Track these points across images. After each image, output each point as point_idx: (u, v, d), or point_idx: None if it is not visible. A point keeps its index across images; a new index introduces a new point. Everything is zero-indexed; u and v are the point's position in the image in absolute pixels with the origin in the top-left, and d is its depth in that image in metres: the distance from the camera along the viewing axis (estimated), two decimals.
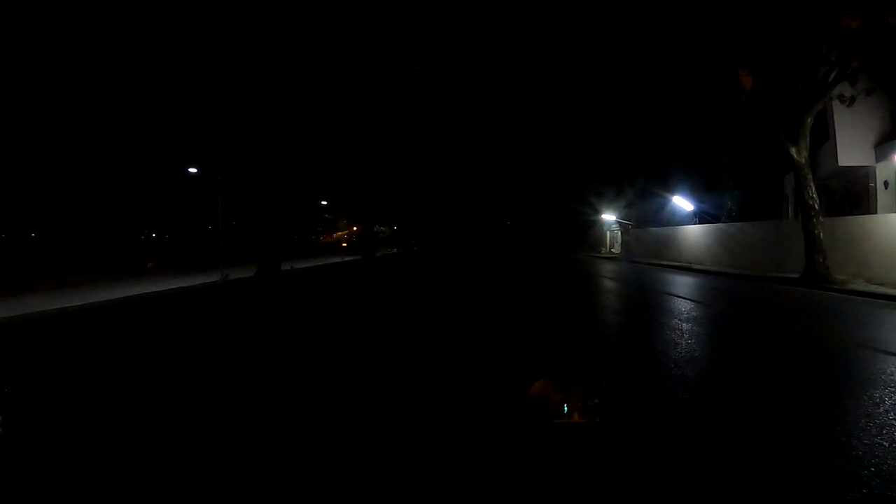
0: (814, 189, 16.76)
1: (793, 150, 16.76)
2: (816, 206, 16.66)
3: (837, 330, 9.84)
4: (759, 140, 24.86)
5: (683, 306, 13.08)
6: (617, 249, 45.78)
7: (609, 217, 44.82)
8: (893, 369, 6.48)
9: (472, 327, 10.66)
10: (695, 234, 29.13)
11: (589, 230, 53.50)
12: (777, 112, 17.46)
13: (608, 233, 49.13)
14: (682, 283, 18.87)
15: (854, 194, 21.69)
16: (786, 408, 5.31)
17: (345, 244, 56.90)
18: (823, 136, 20.67)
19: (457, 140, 65.76)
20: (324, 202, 55.44)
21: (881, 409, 5.01)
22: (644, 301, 14.88)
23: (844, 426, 4.64)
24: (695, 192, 31.29)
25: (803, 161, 16.79)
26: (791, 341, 8.89)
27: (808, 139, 16.94)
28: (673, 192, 32.03)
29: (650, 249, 35.03)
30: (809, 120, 16.75)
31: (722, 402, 5.55)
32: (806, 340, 8.96)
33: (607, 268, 29.74)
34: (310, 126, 28.47)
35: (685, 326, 10.00)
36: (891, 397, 5.38)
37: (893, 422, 4.68)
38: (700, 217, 30.93)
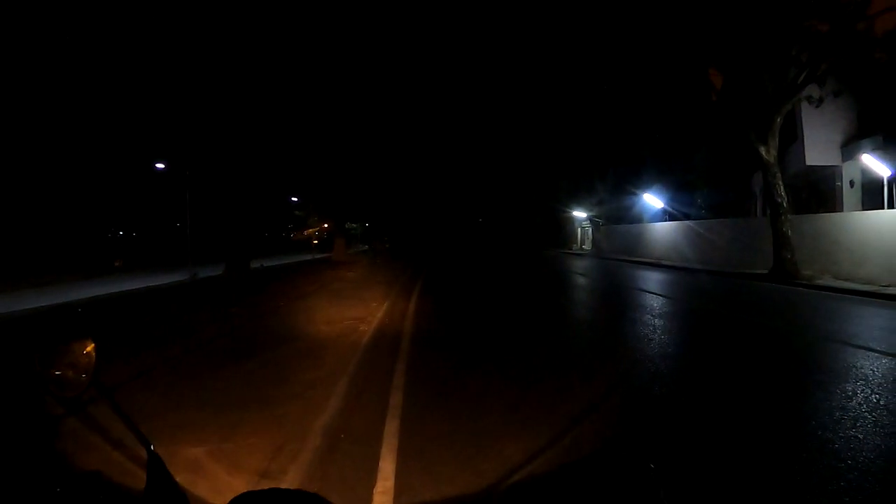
0: (782, 187, 17.05)
1: (762, 150, 17.04)
2: (785, 204, 16.97)
3: (806, 324, 10.06)
4: (728, 139, 25.25)
5: (654, 302, 13.20)
6: (588, 246, 46.14)
7: (580, 214, 45.10)
8: (863, 362, 6.61)
9: (436, 327, 10.54)
10: (664, 231, 29.46)
11: (560, 227, 53.74)
12: (747, 112, 17.71)
13: (579, 229, 49.47)
14: (652, 279, 19.08)
15: (820, 193, 22.15)
16: (760, 402, 5.37)
17: (316, 241, 56.10)
18: (791, 136, 21.06)
19: (429, 137, 65.61)
20: (294, 198, 54.84)
21: (854, 402, 5.10)
22: (615, 297, 15.02)
23: (819, 420, 4.69)
24: (666, 191, 31.63)
25: (773, 160, 17.08)
26: (761, 335, 9.04)
27: (777, 139, 17.23)
28: (644, 190, 32.36)
29: (620, 246, 35.40)
30: (779, 120, 17.04)
31: (697, 397, 5.59)
32: (776, 334, 9.15)
33: (578, 264, 29.93)
34: (280, 121, 28.10)
35: (657, 322, 10.08)
36: (862, 390, 5.49)
37: (867, 414, 4.76)
38: (669, 215, 31.29)
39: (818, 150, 20.58)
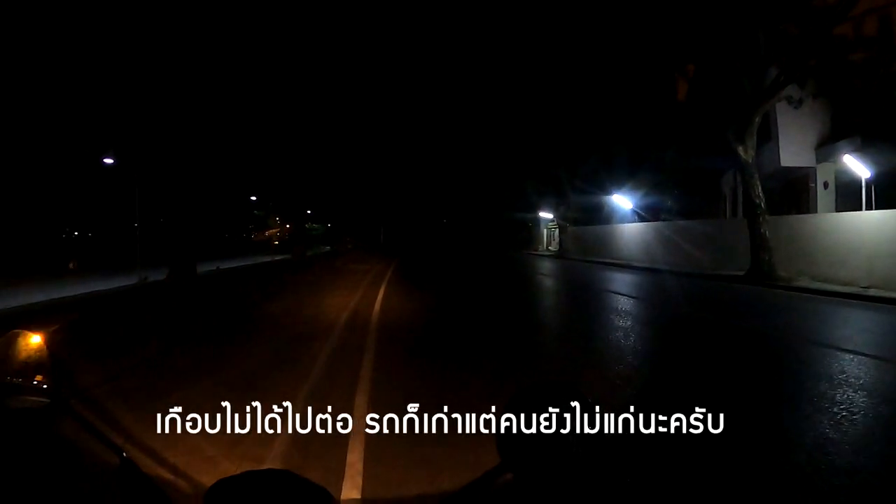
0: (760, 188, 16.77)
1: (740, 150, 16.69)
2: (762, 205, 16.69)
3: (795, 328, 9.72)
4: (698, 140, 24.99)
5: (634, 307, 12.69)
6: (554, 247, 45.77)
7: (546, 215, 44.72)
8: (878, 373, 6.17)
9: (399, 346, 8.42)
10: (634, 232, 29.14)
11: (526, 228, 53.46)
12: (725, 111, 17.39)
13: (545, 231, 49.13)
14: (627, 282, 18.65)
15: (793, 194, 22.04)
16: (763, 416, 4.87)
17: (276, 242, 54.65)
18: (765, 136, 20.79)
19: (392, 137, 64.78)
20: (253, 198, 53.40)
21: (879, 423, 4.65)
22: (589, 301, 14.46)
23: (839, 439, 4.14)
24: (635, 192, 31.22)
25: (750, 160, 16.77)
26: (754, 342, 8.61)
27: (755, 139, 16.96)
28: (613, 191, 31.94)
29: (589, 247, 35.00)
30: (757, 120, 16.78)
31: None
32: (769, 340, 8.71)
33: (545, 265, 29.47)
34: (237, 117, 26.95)
35: (647, 332, 9.49)
36: (884, 406, 5.03)
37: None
38: (639, 216, 30.96)
39: (793, 151, 20.40)
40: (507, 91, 43.88)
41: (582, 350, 7.86)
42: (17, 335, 1.37)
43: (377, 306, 12.54)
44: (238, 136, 28.33)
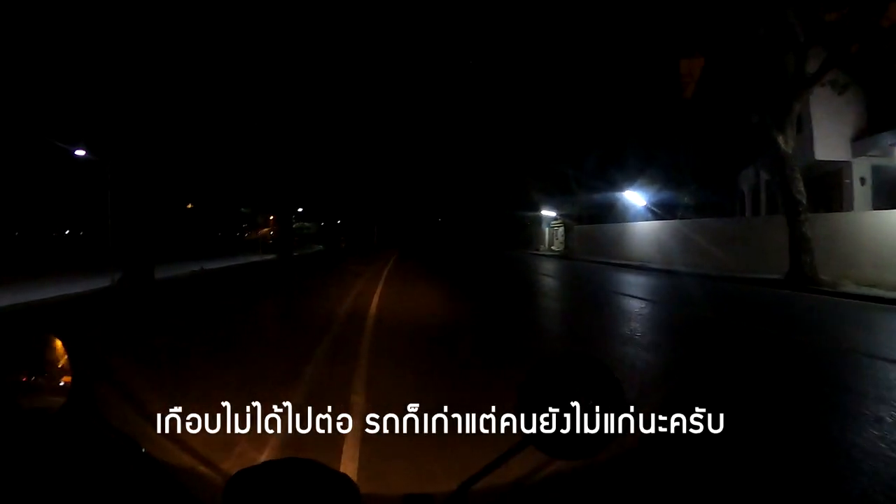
0: (801, 183, 15.23)
1: (780, 140, 15.24)
2: (804, 202, 15.14)
3: (869, 343, 8.38)
4: (714, 134, 23.71)
5: (671, 317, 11.33)
6: (557, 247, 44.33)
7: (549, 213, 43.33)
8: None
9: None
10: (649, 230, 27.65)
11: (527, 227, 52.00)
12: (757, 100, 15.98)
13: (548, 229, 47.65)
14: (648, 286, 17.10)
15: (822, 191, 20.54)
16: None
17: (270, 241, 53.20)
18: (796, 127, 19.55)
19: (387, 132, 63.44)
20: (240, 195, 51.63)
21: None
22: (613, 310, 12.82)
23: None
24: (649, 189, 29.79)
25: (790, 151, 15.34)
26: (814, 358, 7.29)
27: (794, 128, 15.55)
28: (624, 187, 30.50)
29: (597, 247, 33.46)
30: (797, 107, 15.42)
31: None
32: (832, 357, 7.37)
33: (551, 267, 27.77)
34: (227, 113, 25.48)
35: (679, 340, 8.55)
36: None
37: None
38: (653, 214, 29.45)
39: (827, 143, 19.11)
40: (507, 85, 42.60)
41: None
42: (37, 334, 1.40)
43: (371, 311, 11.00)
44: (227, 133, 26.78)
